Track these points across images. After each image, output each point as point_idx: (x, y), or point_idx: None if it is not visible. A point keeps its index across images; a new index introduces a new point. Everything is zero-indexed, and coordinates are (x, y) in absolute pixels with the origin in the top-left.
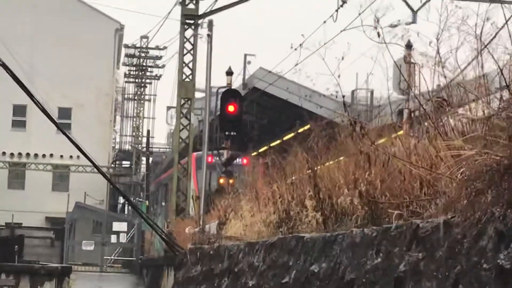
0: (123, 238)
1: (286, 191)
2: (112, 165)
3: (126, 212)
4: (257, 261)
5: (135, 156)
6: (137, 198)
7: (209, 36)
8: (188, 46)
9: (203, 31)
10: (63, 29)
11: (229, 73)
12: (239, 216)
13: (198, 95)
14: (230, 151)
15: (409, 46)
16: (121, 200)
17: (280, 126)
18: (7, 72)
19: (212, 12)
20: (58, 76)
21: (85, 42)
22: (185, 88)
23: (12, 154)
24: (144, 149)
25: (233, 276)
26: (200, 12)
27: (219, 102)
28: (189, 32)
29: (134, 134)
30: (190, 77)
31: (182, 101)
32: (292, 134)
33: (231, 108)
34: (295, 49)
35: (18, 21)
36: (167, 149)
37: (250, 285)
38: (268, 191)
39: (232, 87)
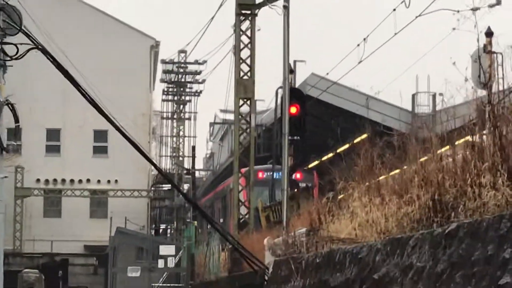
0: (171, 263)
1: (434, 172)
2: (152, 188)
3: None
4: (420, 261)
5: (177, 177)
6: (187, 220)
7: (286, 8)
8: (244, 40)
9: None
10: (96, 48)
11: (290, 71)
12: (344, 214)
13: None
14: (293, 158)
15: (489, 33)
16: (162, 225)
17: (334, 136)
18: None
19: (269, 0)
20: (93, 98)
21: (119, 61)
22: (244, 86)
23: (47, 181)
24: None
25: (370, 287)
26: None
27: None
28: (245, 25)
29: (174, 154)
30: (249, 74)
31: (241, 102)
32: (347, 145)
33: (293, 110)
34: (358, 45)
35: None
36: (207, 172)
37: None
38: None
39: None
